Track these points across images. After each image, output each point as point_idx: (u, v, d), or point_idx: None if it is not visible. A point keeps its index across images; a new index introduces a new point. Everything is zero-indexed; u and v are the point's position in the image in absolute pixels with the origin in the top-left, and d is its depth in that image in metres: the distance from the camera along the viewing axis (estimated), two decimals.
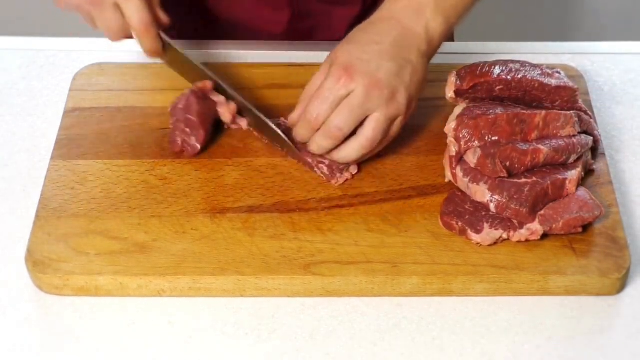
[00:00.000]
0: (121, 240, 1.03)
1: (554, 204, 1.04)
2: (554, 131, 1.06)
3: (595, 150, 1.11)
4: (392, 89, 1.05)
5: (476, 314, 1.00)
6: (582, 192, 1.05)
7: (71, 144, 1.13)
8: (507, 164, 1.04)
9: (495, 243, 1.03)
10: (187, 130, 1.10)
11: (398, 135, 1.09)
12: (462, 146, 1.06)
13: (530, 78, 1.09)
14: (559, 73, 1.11)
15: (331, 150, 1.08)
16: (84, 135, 1.14)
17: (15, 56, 1.26)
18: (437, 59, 1.12)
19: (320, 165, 1.09)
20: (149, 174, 1.10)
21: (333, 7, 1.34)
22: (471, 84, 1.09)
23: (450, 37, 1.21)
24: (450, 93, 1.10)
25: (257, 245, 1.03)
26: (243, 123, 1.13)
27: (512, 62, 1.11)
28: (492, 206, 1.04)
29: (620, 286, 1.02)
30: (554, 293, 1.01)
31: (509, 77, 1.09)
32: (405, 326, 0.99)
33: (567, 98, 1.10)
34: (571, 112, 1.08)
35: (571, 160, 1.06)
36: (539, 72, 1.10)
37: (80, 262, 1.01)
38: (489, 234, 1.02)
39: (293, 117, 1.10)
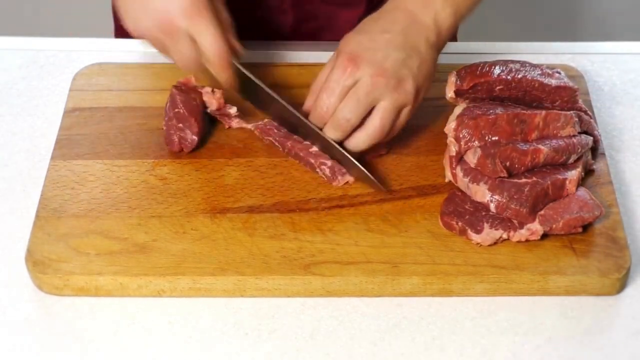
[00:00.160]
0: (121, 240, 1.03)
1: (554, 204, 1.04)
2: (554, 131, 1.06)
3: (595, 150, 1.11)
4: (399, 78, 1.05)
5: (476, 314, 1.00)
6: (582, 192, 1.05)
7: (71, 144, 1.13)
8: (507, 164, 1.04)
9: (495, 243, 1.03)
10: (180, 125, 1.10)
11: (406, 125, 1.09)
12: (462, 146, 1.06)
13: (530, 78, 1.09)
14: (559, 73, 1.11)
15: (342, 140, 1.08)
16: (84, 135, 1.14)
17: (15, 56, 1.26)
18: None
19: (322, 167, 1.09)
20: (149, 174, 1.10)
21: (338, 9, 1.34)
22: (471, 84, 1.09)
23: (453, 37, 1.21)
24: (450, 93, 1.10)
25: (257, 245, 1.03)
26: (233, 110, 1.13)
27: (512, 62, 1.11)
28: (492, 206, 1.04)
29: (620, 286, 1.02)
30: (554, 293, 1.01)
31: (509, 77, 1.09)
32: (405, 326, 0.99)
33: (567, 98, 1.10)
34: (571, 112, 1.08)
35: (571, 160, 1.06)
36: (539, 72, 1.10)
37: (80, 262, 1.01)
38: (489, 234, 1.02)
39: (305, 107, 1.11)
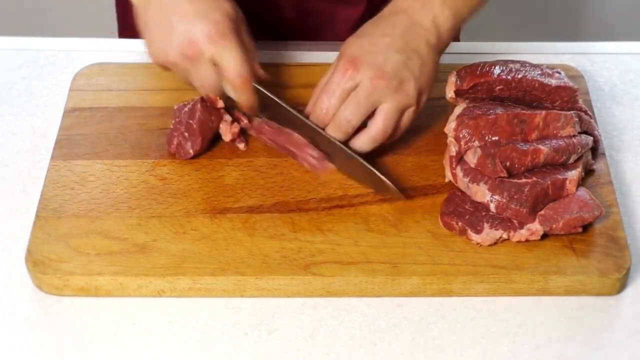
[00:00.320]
0: (121, 240, 1.03)
1: (554, 204, 1.04)
2: (554, 131, 1.06)
3: (595, 150, 1.11)
4: (400, 80, 1.06)
5: (476, 314, 1.00)
6: (582, 192, 1.05)
7: (71, 144, 1.13)
8: (507, 164, 1.04)
9: (495, 243, 1.03)
10: (186, 134, 1.10)
11: (410, 126, 1.10)
12: (462, 146, 1.06)
13: (530, 78, 1.09)
14: (559, 73, 1.11)
15: (342, 143, 1.08)
16: (84, 135, 1.14)
17: (15, 56, 1.26)
18: None
19: (308, 158, 1.10)
20: (149, 174, 1.10)
21: (337, 6, 1.34)
22: (471, 84, 1.09)
23: (456, 36, 1.21)
24: (450, 93, 1.10)
25: (257, 245, 1.03)
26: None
27: (512, 62, 1.11)
28: (492, 206, 1.04)
29: (620, 286, 1.02)
30: (554, 293, 1.01)
31: (509, 77, 1.09)
32: (405, 326, 0.99)
33: (567, 98, 1.10)
34: (571, 112, 1.08)
35: (571, 160, 1.06)
36: (539, 72, 1.10)
37: (80, 262, 1.01)
38: (489, 234, 1.02)
39: (307, 110, 1.11)
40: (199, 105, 1.11)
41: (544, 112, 1.06)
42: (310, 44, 1.29)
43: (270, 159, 1.12)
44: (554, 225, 1.02)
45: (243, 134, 1.14)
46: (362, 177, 1.09)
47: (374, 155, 1.10)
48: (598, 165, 1.11)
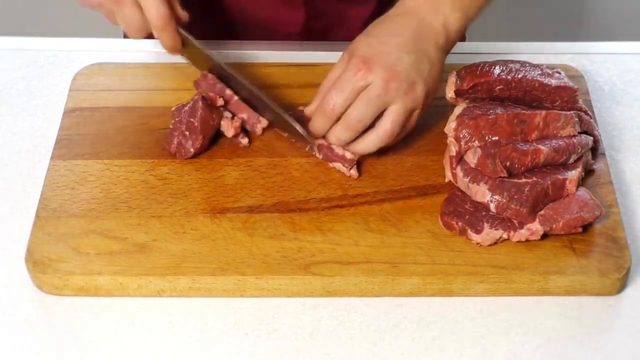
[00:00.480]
0: (121, 240, 1.03)
1: (554, 204, 1.04)
2: (554, 131, 1.06)
3: (595, 150, 1.11)
4: (411, 82, 1.06)
5: (476, 314, 1.00)
6: (582, 192, 1.05)
7: (71, 144, 1.13)
8: (507, 164, 1.04)
9: (495, 243, 1.03)
10: (187, 133, 1.10)
11: (414, 128, 1.10)
12: (462, 146, 1.06)
13: (530, 78, 1.09)
14: (559, 73, 1.11)
15: (349, 143, 1.09)
16: (84, 135, 1.14)
17: (15, 56, 1.26)
18: None
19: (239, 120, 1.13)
20: (149, 174, 1.10)
21: (348, 6, 1.35)
22: (471, 84, 1.09)
23: (461, 37, 1.21)
24: (450, 93, 1.10)
25: (257, 245, 1.03)
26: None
27: (512, 62, 1.11)
28: (492, 206, 1.04)
29: (620, 286, 1.02)
30: (554, 293, 1.01)
31: (509, 77, 1.09)
32: (405, 326, 0.99)
33: (567, 98, 1.10)
34: (571, 112, 1.08)
35: (571, 160, 1.06)
36: (539, 72, 1.10)
37: (80, 262, 1.01)
38: (489, 234, 1.02)
39: (310, 108, 1.12)
40: (200, 104, 1.11)
41: (544, 112, 1.06)
42: (322, 43, 1.29)
43: (270, 159, 1.12)
44: (554, 225, 1.02)
45: (244, 130, 1.14)
46: (284, 127, 1.12)
47: (375, 154, 1.10)
48: (598, 165, 1.11)
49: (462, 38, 1.37)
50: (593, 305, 1.01)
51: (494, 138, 1.05)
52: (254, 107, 1.14)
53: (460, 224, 1.03)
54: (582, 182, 1.07)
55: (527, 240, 1.03)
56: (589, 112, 1.12)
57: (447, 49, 1.11)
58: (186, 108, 1.12)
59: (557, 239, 1.03)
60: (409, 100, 1.07)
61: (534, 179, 1.04)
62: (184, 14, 1.14)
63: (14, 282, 1.02)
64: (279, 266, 1.01)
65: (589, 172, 1.10)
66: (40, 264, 1.00)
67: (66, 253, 1.01)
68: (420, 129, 1.15)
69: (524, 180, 1.04)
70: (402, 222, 1.05)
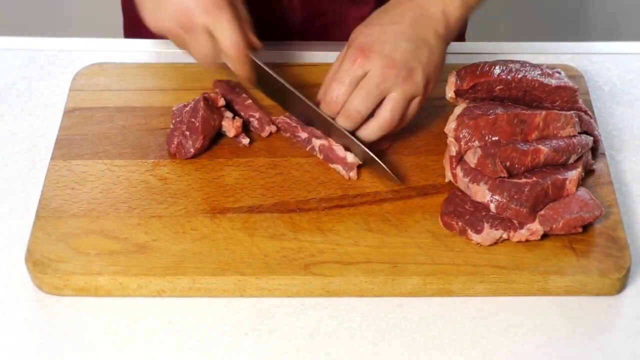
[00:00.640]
0: (121, 240, 1.03)
1: (554, 204, 1.04)
2: (554, 131, 1.06)
3: (595, 150, 1.11)
4: (409, 69, 1.07)
5: (476, 314, 1.00)
6: (582, 192, 1.05)
7: (71, 144, 1.13)
8: (507, 164, 1.04)
9: (495, 243, 1.03)
10: (187, 133, 1.10)
11: (407, 124, 1.10)
12: (462, 146, 1.06)
13: (530, 78, 1.09)
14: (559, 73, 1.11)
15: (354, 130, 1.09)
16: (84, 135, 1.14)
17: (15, 56, 1.26)
18: None
19: (251, 119, 1.14)
20: (149, 174, 1.10)
21: (347, 5, 1.35)
22: (471, 84, 1.09)
23: (460, 37, 1.21)
24: (450, 93, 1.10)
25: (257, 245, 1.03)
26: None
27: (512, 62, 1.11)
28: (492, 206, 1.04)
29: (620, 286, 1.02)
30: (554, 293, 1.01)
31: (509, 77, 1.09)
32: (405, 326, 0.99)
33: (567, 98, 1.10)
34: (571, 112, 1.08)
35: (571, 160, 1.06)
36: (539, 72, 1.10)
37: (80, 262, 1.01)
38: (489, 234, 1.02)
39: (318, 98, 1.12)
40: (201, 104, 1.11)
41: (544, 112, 1.06)
42: (321, 43, 1.29)
43: (270, 159, 1.12)
44: (554, 225, 1.02)
45: (245, 130, 1.14)
46: (359, 155, 1.10)
47: (377, 150, 1.10)
48: (598, 165, 1.11)
49: (462, 38, 1.37)
50: (593, 305, 1.01)
51: (494, 138, 1.05)
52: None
53: (460, 224, 1.03)
54: (582, 182, 1.07)
55: (527, 240, 1.03)
56: (589, 112, 1.12)
57: (447, 37, 1.11)
58: (187, 108, 1.12)
59: (557, 239, 1.03)
60: (408, 88, 1.07)
61: (534, 179, 1.04)
62: (257, 42, 1.11)
63: (13, 282, 1.02)
64: (278, 266, 1.01)
65: (589, 172, 1.10)
66: (40, 264, 1.00)
67: (66, 253, 1.01)
68: (420, 129, 1.15)
69: (524, 180, 1.04)
70: (402, 222, 1.05)
